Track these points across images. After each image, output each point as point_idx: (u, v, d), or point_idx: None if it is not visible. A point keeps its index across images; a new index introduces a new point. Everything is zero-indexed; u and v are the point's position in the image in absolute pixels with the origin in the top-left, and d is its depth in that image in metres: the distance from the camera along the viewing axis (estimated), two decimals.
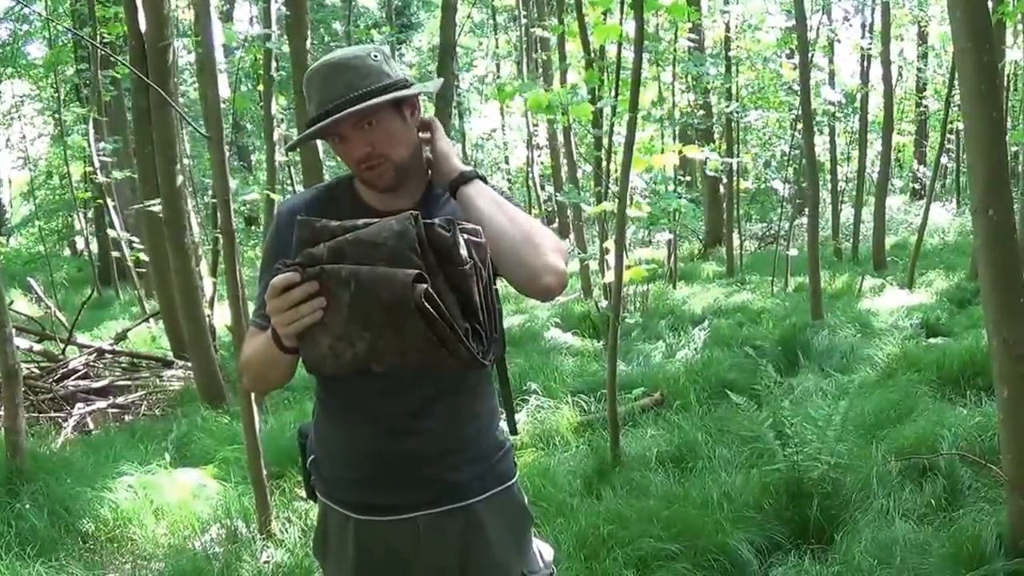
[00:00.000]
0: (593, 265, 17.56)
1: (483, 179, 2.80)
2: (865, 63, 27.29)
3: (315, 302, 2.39)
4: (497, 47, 34.35)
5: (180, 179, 10.46)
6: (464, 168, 2.78)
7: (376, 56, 2.75)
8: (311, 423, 3.09)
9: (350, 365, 2.46)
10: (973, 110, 4.95)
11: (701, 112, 23.48)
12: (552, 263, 2.68)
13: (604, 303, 9.78)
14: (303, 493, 6.63)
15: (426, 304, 2.30)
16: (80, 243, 34.14)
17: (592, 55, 15.66)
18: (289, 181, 21.95)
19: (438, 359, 2.42)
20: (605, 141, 13.84)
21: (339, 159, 2.88)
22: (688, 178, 23.37)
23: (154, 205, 10.61)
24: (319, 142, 11.35)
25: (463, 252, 2.41)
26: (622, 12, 11.52)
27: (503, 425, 3.10)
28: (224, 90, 18.44)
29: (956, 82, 6.49)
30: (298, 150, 14.69)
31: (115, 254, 20.05)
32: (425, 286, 2.31)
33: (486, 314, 2.49)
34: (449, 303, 2.39)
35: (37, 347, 12.39)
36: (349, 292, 2.36)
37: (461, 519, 2.91)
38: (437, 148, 2.85)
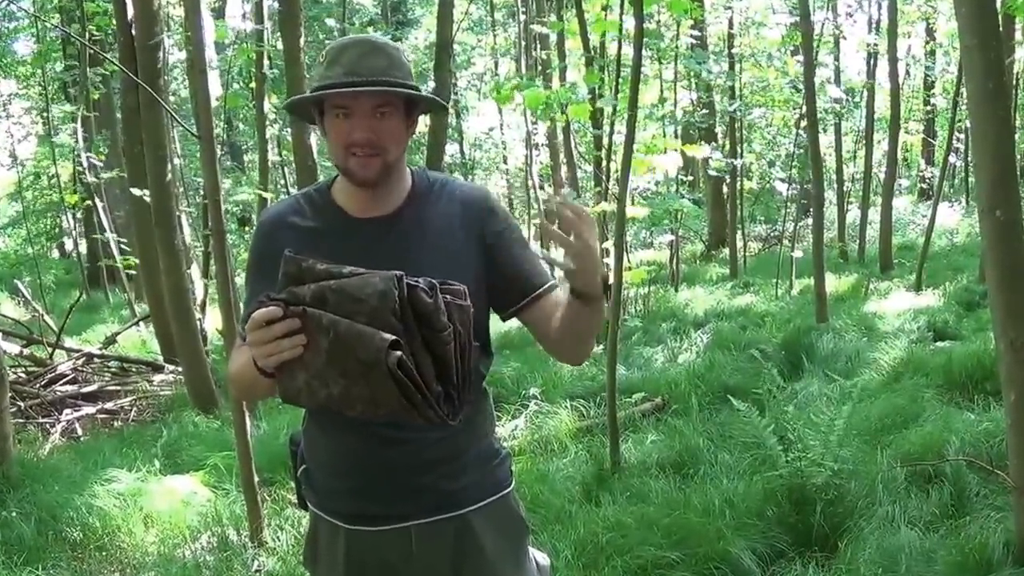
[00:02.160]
0: None
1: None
2: (871, 60, 27.29)
3: (296, 339, 2.44)
4: (496, 44, 34.30)
5: (170, 179, 10.47)
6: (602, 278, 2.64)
7: (407, 57, 2.79)
8: (302, 430, 3.10)
9: (323, 404, 2.52)
10: (980, 109, 4.96)
11: (704, 111, 23.49)
12: (592, 349, 2.92)
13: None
14: (295, 500, 6.66)
15: (399, 371, 2.35)
16: (69, 245, 34.14)
17: (592, 53, 15.66)
18: (282, 181, 21.96)
19: (408, 416, 2.46)
20: (605, 140, 13.85)
21: (328, 153, 2.89)
22: (691, 178, 23.38)
23: (144, 195, 10.58)
24: (313, 141, 11.39)
25: (443, 318, 2.44)
26: (622, 8, 11.53)
27: (499, 432, 3.11)
28: (216, 88, 18.45)
29: (964, 80, 6.50)
30: (291, 149, 14.70)
31: (106, 261, 20.01)
32: (399, 354, 2.36)
33: (461, 378, 2.51)
34: (424, 366, 2.43)
35: (24, 351, 12.39)
36: (328, 339, 2.41)
37: (454, 529, 2.91)
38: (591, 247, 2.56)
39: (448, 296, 2.47)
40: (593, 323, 2.77)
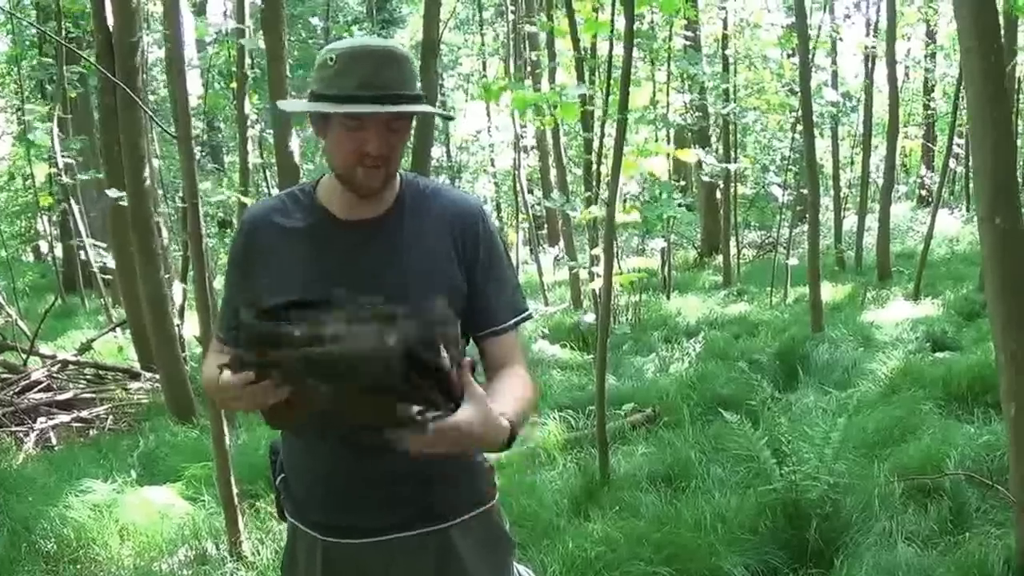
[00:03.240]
0: (583, 274, 17.57)
1: (515, 433, 2.70)
2: (870, 63, 27.35)
3: (280, 392, 2.43)
4: (483, 44, 34.36)
5: (148, 181, 10.45)
6: (507, 425, 2.63)
7: (414, 62, 2.78)
8: (281, 439, 3.10)
9: (319, 433, 2.57)
10: (979, 113, 4.96)
11: (697, 114, 23.51)
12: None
13: (591, 318, 9.76)
14: (275, 512, 6.65)
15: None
16: (44, 247, 34.07)
17: (582, 53, 15.69)
18: (264, 183, 21.93)
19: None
20: (595, 144, 13.87)
21: (319, 158, 2.89)
22: (683, 183, 23.41)
23: (121, 200, 10.56)
24: (295, 144, 11.38)
25: (446, 363, 2.42)
26: (613, 8, 11.56)
27: None
28: (196, 87, 18.44)
29: (964, 84, 6.51)
30: (272, 151, 14.68)
31: (87, 263, 19.98)
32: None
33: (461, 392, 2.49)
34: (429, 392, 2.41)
35: None
36: (327, 399, 2.40)
37: (435, 544, 2.92)
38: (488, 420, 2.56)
39: (439, 328, 2.45)
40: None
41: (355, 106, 2.64)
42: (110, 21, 10.49)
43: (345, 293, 2.48)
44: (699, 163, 19.55)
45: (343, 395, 2.37)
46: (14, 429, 10.33)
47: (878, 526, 6.02)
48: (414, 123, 2.95)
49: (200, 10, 27.69)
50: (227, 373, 2.47)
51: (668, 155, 10.05)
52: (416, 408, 2.34)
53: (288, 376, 2.39)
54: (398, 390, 2.34)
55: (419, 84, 2.78)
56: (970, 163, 23.67)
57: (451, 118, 2.98)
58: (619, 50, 12.07)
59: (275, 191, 18.87)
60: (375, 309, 2.39)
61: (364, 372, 2.32)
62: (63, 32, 16.41)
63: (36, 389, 11.49)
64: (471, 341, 3.01)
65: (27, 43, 22.88)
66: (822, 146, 25.10)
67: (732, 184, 23.90)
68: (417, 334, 2.36)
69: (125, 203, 10.38)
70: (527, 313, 3.10)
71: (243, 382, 2.41)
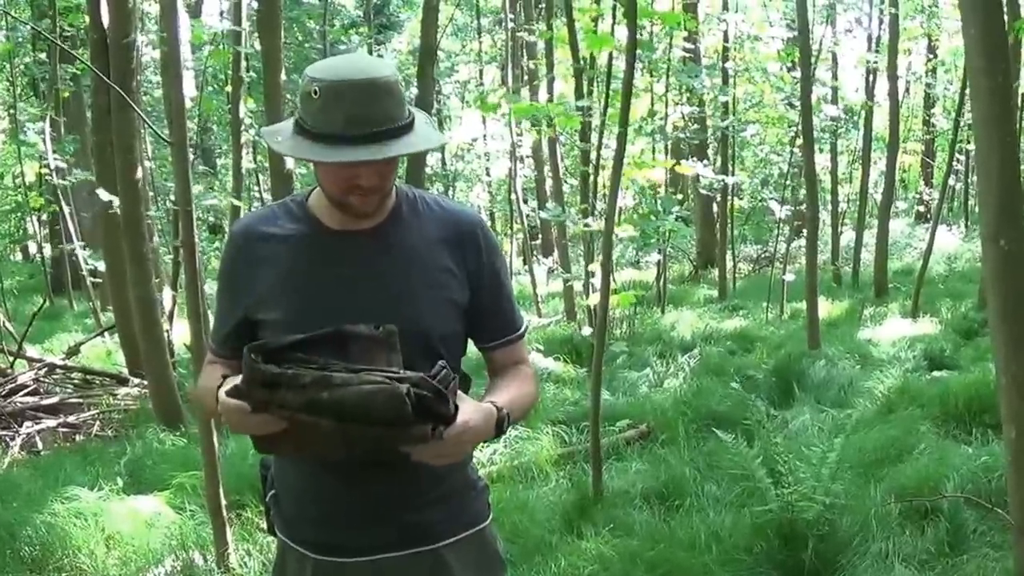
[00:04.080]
0: (577, 286, 17.55)
1: (507, 418, 2.74)
2: (870, 78, 27.37)
3: (278, 424, 2.47)
4: (481, 51, 34.34)
5: (141, 184, 10.42)
6: (493, 408, 2.70)
7: (400, 83, 2.68)
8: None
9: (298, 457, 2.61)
10: (985, 134, 4.95)
11: (695, 126, 23.52)
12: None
13: (588, 330, 9.75)
14: (264, 523, 6.63)
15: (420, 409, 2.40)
16: (33, 248, 34.02)
17: (582, 63, 15.69)
18: (256, 188, 21.91)
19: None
20: (593, 155, 13.86)
21: (310, 169, 2.87)
22: (680, 195, 23.42)
23: (112, 204, 10.53)
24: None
25: (451, 408, 2.47)
26: (613, 19, 11.56)
27: (477, 456, 3.10)
28: (190, 90, 18.41)
29: (967, 100, 6.52)
30: (266, 155, 14.68)
31: (76, 265, 19.96)
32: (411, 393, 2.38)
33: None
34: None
35: None
36: (332, 438, 2.45)
37: (427, 563, 2.90)
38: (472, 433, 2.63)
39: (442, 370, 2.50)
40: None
41: (345, 152, 2.58)
42: (105, 21, 10.47)
43: (351, 328, 2.53)
44: (696, 176, 19.56)
45: (346, 435, 2.40)
46: (0, 433, 10.29)
47: (875, 548, 6.01)
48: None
49: (195, 12, 27.73)
50: (227, 397, 2.49)
51: (668, 168, 10.02)
52: (430, 426, 2.40)
53: (290, 416, 2.41)
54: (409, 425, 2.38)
55: (407, 104, 2.70)
56: (970, 180, 23.87)
57: (442, 144, 2.95)
58: (619, 61, 12.11)
59: (268, 196, 18.90)
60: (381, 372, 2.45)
61: (374, 415, 2.35)
62: (58, 30, 16.38)
63: (23, 393, 11.44)
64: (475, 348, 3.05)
65: (20, 40, 22.85)
66: (821, 161, 25.05)
67: (729, 198, 23.89)
68: (426, 384, 2.41)
69: (117, 208, 10.35)
70: (527, 324, 3.13)
71: (242, 411, 2.43)
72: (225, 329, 2.95)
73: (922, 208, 37.94)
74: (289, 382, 2.40)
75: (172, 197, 14.61)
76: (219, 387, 2.58)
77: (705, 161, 23.27)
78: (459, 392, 2.57)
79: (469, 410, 2.55)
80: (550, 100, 15.84)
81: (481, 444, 2.86)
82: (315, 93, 2.61)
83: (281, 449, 2.64)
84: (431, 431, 2.39)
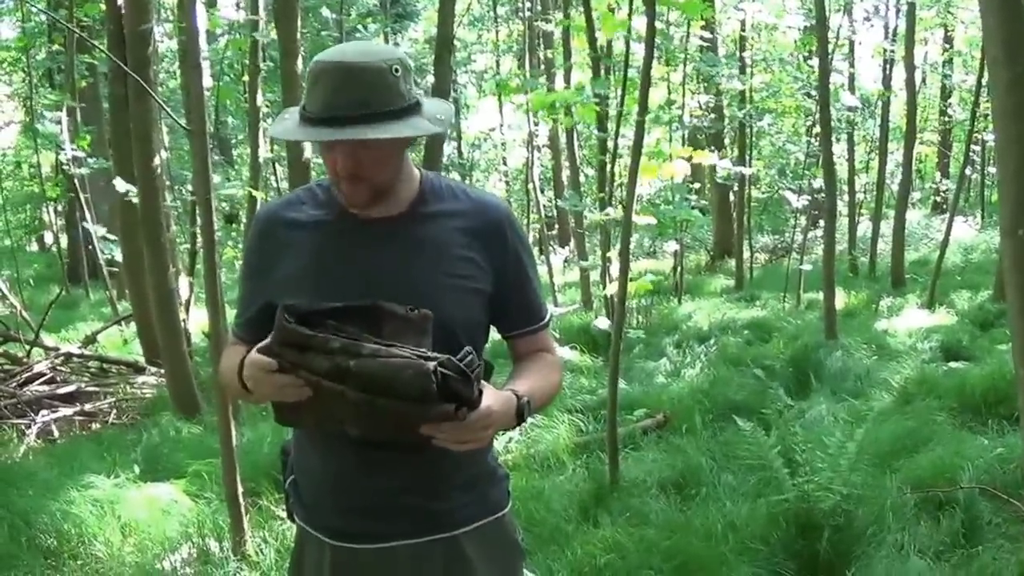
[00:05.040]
0: (594, 275, 17.53)
1: (527, 406, 2.75)
2: (887, 68, 27.27)
3: (302, 391, 2.46)
4: (498, 41, 34.30)
5: (158, 173, 10.43)
6: (514, 397, 2.72)
7: (396, 71, 2.66)
8: (293, 440, 3.08)
9: (318, 430, 2.64)
10: (1004, 125, 4.93)
11: (712, 116, 23.48)
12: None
13: (605, 323, 9.74)
14: (281, 512, 6.63)
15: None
16: (49, 238, 34.08)
17: (599, 52, 15.66)
18: (274, 177, 21.91)
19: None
20: (610, 144, 13.83)
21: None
22: (697, 185, 23.39)
23: (131, 193, 10.54)
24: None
25: (475, 392, 2.47)
26: (631, 7, 11.50)
27: (494, 446, 3.09)
28: (207, 80, 18.42)
29: (983, 90, 6.49)
30: (284, 144, 14.68)
31: (88, 248, 19.97)
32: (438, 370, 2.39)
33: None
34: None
35: (0, 348, 12.36)
36: (355, 409, 2.43)
37: (444, 551, 2.90)
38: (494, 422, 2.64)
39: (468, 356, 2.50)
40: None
41: (309, 132, 2.66)
42: (122, 9, 10.48)
43: (387, 305, 2.55)
44: (713, 166, 19.53)
45: (370, 407, 2.39)
46: (16, 421, 10.31)
47: (890, 538, 5.99)
48: (418, 138, 2.93)
49: (212, 2, 27.70)
50: (256, 354, 2.50)
51: (687, 159, 9.98)
52: (453, 407, 2.39)
53: (316, 381, 2.41)
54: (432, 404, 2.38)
55: (404, 93, 2.68)
56: (986, 171, 23.72)
57: (437, 132, 2.90)
58: (635, 47, 12.07)
59: (284, 185, 18.91)
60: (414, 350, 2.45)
61: (399, 389, 2.35)
62: (74, 20, 16.38)
63: (39, 381, 11.47)
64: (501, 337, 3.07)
65: (36, 31, 22.87)
66: (837, 151, 24.97)
67: (746, 188, 23.84)
68: (453, 365, 2.40)
69: (134, 197, 10.37)
70: (551, 313, 3.13)
71: (268, 368, 2.44)
72: (248, 313, 2.96)
73: (939, 199, 37.81)
74: (318, 346, 2.41)
75: (189, 187, 14.64)
76: (243, 360, 2.59)
77: (722, 151, 23.28)
78: (482, 380, 2.56)
79: (491, 397, 2.54)
80: (567, 89, 15.78)
81: (500, 432, 2.85)
82: (308, 76, 2.68)
83: (302, 419, 2.62)
84: (455, 411, 2.38)
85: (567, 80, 20.86)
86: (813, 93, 18.74)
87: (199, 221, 7.11)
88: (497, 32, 32.41)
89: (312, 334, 2.43)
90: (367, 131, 2.60)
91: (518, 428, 2.76)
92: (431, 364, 2.37)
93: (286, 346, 2.44)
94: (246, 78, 14.99)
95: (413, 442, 2.51)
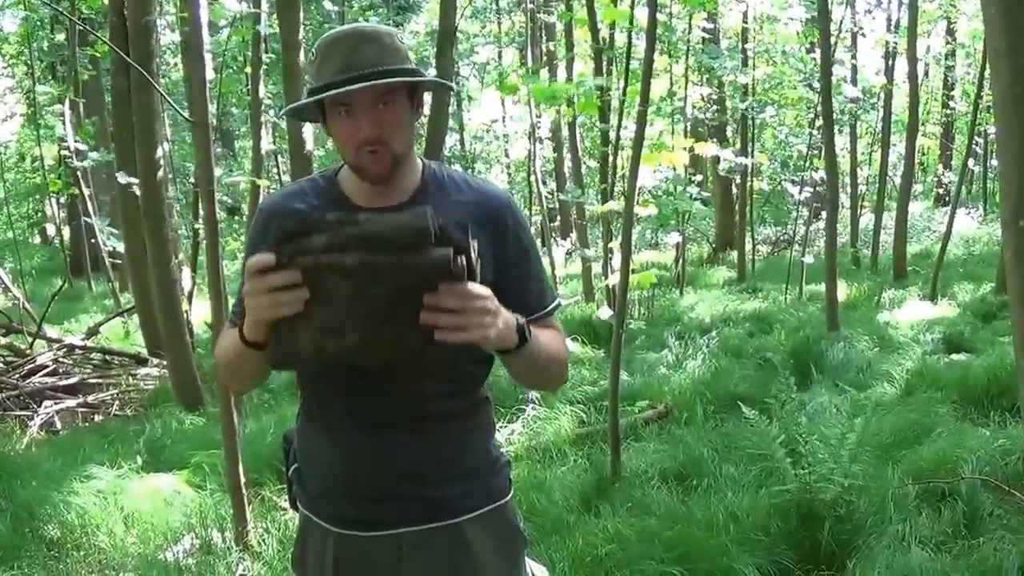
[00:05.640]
0: (596, 267, 17.53)
1: (523, 322, 2.71)
2: (890, 60, 27.27)
3: (299, 293, 2.37)
4: (500, 32, 34.28)
5: (161, 165, 10.44)
6: (517, 322, 2.66)
7: (401, 39, 2.76)
8: (296, 428, 3.09)
9: (331, 359, 2.47)
10: (1006, 116, 4.93)
11: (715, 108, 23.47)
12: (564, 377, 3.09)
13: (607, 312, 9.74)
14: (283, 503, 6.64)
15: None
16: (51, 230, 34.10)
17: (601, 44, 15.65)
18: (276, 170, 21.92)
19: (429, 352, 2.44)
20: (612, 136, 13.83)
21: (332, 144, 2.87)
22: (699, 177, 23.39)
23: (132, 185, 10.55)
24: (308, 130, 11.36)
25: (475, 256, 2.44)
26: None
27: (496, 437, 3.10)
28: (209, 72, 18.42)
29: (986, 82, 6.49)
30: (285, 138, 14.69)
31: (91, 241, 20.00)
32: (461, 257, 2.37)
33: None
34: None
35: (3, 340, 12.38)
36: (353, 281, 2.36)
37: (447, 538, 2.90)
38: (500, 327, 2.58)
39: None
40: (530, 366, 2.84)
41: (332, 91, 2.66)
42: (125, 1, 10.49)
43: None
44: (716, 158, 19.52)
45: (370, 272, 2.36)
46: (19, 413, 10.34)
47: (892, 529, 5.99)
48: (424, 108, 2.94)
49: None
50: (253, 257, 2.43)
51: (687, 149, 9.98)
52: (451, 251, 2.35)
53: (312, 264, 2.36)
54: (434, 244, 2.34)
55: (408, 58, 2.75)
56: (989, 164, 23.71)
57: (448, 86, 2.92)
58: (638, 40, 12.08)
59: (287, 178, 18.91)
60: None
61: (398, 239, 2.34)
62: (76, 12, 16.39)
63: (42, 373, 11.50)
64: None
65: (38, 23, 22.87)
66: (840, 143, 25.00)
67: (748, 180, 23.83)
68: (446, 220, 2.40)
69: (136, 188, 10.38)
70: (558, 300, 3.11)
71: (268, 263, 2.36)
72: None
73: (941, 191, 37.83)
74: (314, 223, 2.39)
75: (192, 179, 14.65)
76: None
77: (724, 143, 23.26)
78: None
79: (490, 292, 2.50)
80: (569, 81, 15.79)
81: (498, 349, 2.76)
82: (314, 55, 2.73)
83: (299, 341, 2.47)
84: (453, 257, 2.34)
85: (569, 72, 20.88)
86: (815, 85, 18.74)
87: (202, 213, 7.11)
88: (499, 24, 32.42)
89: (307, 216, 2.46)
90: (386, 79, 2.66)
91: (522, 346, 2.67)
92: (427, 207, 2.38)
93: (283, 241, 2.39)
94: (248, 70, 14.98)
95: (414, 351, 2.45)
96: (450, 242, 2.36)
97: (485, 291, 2.45)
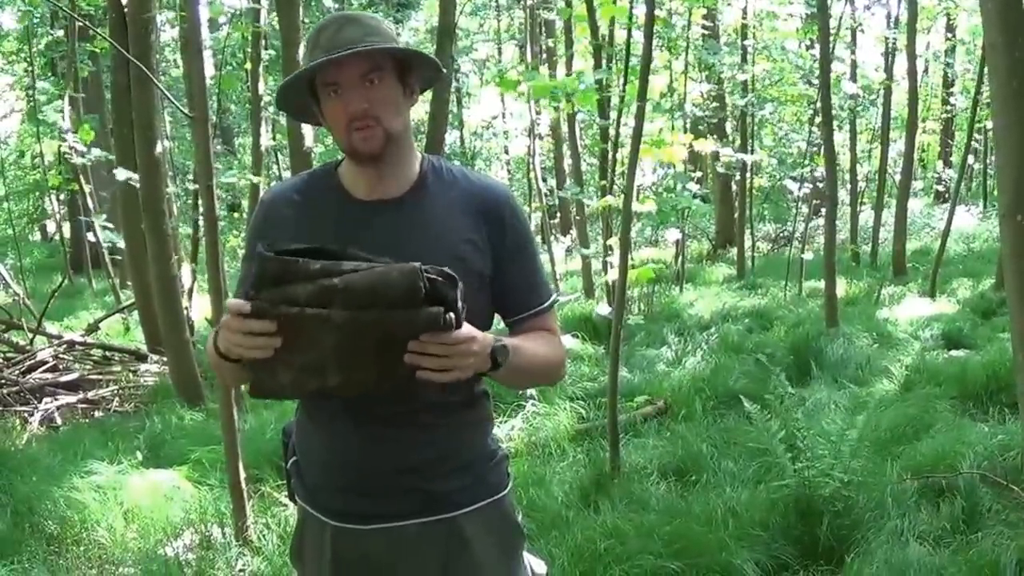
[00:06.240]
0: (595, 264, 17.53)
1: (503, 351, 2.69)
2: (889, 56, 27.26)
3: (272, 341, 2.44)
4: (499, 29, 34.28)
5: (160, 161, 10.44)
6: (490, 339, 2.67)
7: (389, 26, 2.78)
8: (294, 422, 3.10)
9: (312, 394, 2.59)
10: (1003, 110, 4.94)
11: (714, 104, 23.45)
12: (558, 377, 3.13)
13: (606, 309, 9.74)
14: (283, 498, 6.65)
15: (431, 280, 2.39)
16: (51, 227, 34.09)
17: (600, 40, 15.65)
18: (275, 166, 21.92)
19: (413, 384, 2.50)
20: (611, 132, 13.82)
21: (331, 140, 2.90)
22: (699, 174, 23.38)
23: (132, 180, 10.54)
24: (308, 127, 11.36)
25: (461, 303, 2.47)
26: None
27: (495, 433, 3.10)
28: (208, 68, 18.41)
29: (985, 79, 6.50)
30: (286, 133, 14.68)
31: (90, 238, 19.99)
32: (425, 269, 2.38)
33: None
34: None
35: (3, 336, 12.38)
36: (338, 335, 2.40)
37: (444, 532, 2.91)
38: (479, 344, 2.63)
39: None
40: (512, 379, 2.93)
41: (314, 63, 2.69)
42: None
43: (360, 253, 2.52)
44: (715, 154, 19.51)
45: (355, 328, 2.37)
46: (19, 409, 10.34)
47: (890, 524, 5.99)
48: (424, 104, 2.96)
49: None
50: (230, 300, 2.49)
51: (686, 145, 9.99)
52: (441, 310, 2.37)
53: (297, 312, 2.39)
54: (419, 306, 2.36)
55: (394, 39, 2.78)
56: (989, 160, 23.70)
57: (436, 64, 2.92)
58: (636, 35, 12.07)
59: (287, 174, 18.93)
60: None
61: (386, 292, 2.35)
62: (75, 8, 16.39)
63: (42, 369, 11.49)
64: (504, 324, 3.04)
65: (37, 19, 22.86)
66: (839, 139, 24.96)
67: (748, 176, 23.82)
68: (436, 269, 2.42)
69: (136, 184, 10.38)
70: (555, 296, 3.12)
71: (242, 310, 2.42)
72: (244, 289, 2.96)
73: (940, 188, 37.80)
74: (299, 271, 2.40)
75: (191, 176, 14.65)
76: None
77: (724, 140, 23.25)
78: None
79: (470, 327, 2.55)
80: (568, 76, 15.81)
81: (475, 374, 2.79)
82: (306, 45, 2.78)
83: (278, 378, 2.52)
84: (442, 316, 2.37)
85: (569, 68, 20.86)
86: (815, 81, 18.73)
87: (201, 208, 7.11)
88: (499, 20, 32.42)
89: (292, 259, 2.43)
90: (373, 47, 2.70)
91: (498, 368, 2.69)
92: (415, 264, 2.38)
93: (265, 284, 2.42)
94: (248, 67, 14.99)
95: (397, 382, 2.51)
96: (441, 301, 2.40)
97: (468, 333, 2.51)
